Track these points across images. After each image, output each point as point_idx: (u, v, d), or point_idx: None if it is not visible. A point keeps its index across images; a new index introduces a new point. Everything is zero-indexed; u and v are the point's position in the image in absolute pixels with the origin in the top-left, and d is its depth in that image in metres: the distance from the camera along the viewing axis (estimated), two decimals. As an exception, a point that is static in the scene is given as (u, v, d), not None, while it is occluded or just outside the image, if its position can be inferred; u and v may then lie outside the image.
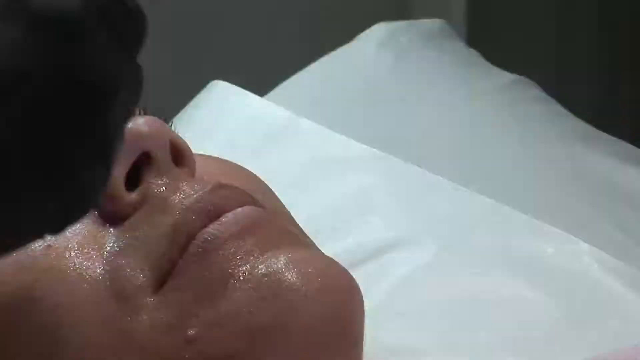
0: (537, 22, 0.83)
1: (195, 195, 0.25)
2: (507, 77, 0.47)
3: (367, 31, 0.45)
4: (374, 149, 0.36)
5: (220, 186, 0.25)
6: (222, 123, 0.39)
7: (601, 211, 0.40)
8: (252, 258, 0.24)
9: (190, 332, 0.24)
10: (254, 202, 0.25)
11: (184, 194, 0.25)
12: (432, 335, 0.31)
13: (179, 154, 0.26)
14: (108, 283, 0.24)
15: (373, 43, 0.46)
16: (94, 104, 0.15)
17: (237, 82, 0.42)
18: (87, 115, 0.15)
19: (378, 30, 0.46)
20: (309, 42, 0.63)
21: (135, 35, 0.16)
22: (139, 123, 0.25)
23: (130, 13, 0.16)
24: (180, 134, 0.25)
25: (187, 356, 0.24)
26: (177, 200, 0.25)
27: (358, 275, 0.26)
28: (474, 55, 0.48)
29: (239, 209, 0.25)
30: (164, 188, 0.25)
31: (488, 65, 0.47)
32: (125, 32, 0.16)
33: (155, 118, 0.25)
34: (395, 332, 0.30)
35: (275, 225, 0.25)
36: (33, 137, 0.15)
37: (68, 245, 0.24)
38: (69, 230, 0.22)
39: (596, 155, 0.42)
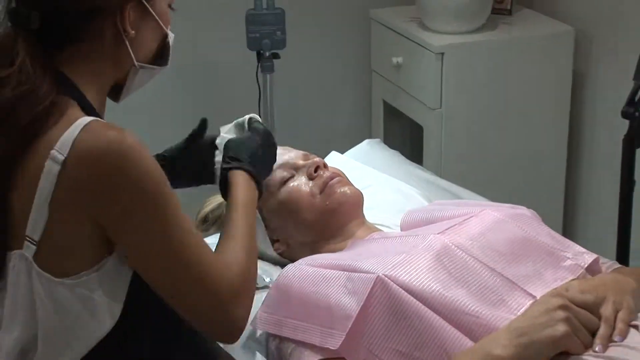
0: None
1: (329, 174, 1.61)
2: (393, 151, 2.16)
3: (362, 142, 2.13)
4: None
5: (334, 171, 1.69)
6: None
7: (412, 179, 2.00)
8: (341, 187, 1.65)
9: (327, 203, 1.53)
10: (341, 175, 1.71)
11: (326, 173, 1.55)
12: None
13: (325, 165, 1.62)
14: (310, 191, 1.55)
15: (364, 144, 2.12)
16: None
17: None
18: None
19: (365, 141, 2.13)
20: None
21: None
22: (317, 160, 1.61)
23: None
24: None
25: (326, 208, 1.54)
26: (324, 175, 1.53)
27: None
28: (385, 146, 2.16)
29: (339, 177, 1.70)
30: (321, 172, 1.58)
31: (389, 148, 2.15)
32: None
33: (321, 158, 1.74)
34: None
35: (345, 180, 1.71)
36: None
37: (302, 183, 1.68)
38: (301, 181, 1.53)
39: (414, 168, 2.07)
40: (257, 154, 1.34)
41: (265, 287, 1.47)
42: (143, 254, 1.09)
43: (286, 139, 1.69)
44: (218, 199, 1.62)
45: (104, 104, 1.19)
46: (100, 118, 1.14)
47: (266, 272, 1.53)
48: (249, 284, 1.17)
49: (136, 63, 1.17)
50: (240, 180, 1.28)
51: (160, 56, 1.23)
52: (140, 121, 2.66)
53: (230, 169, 1.30)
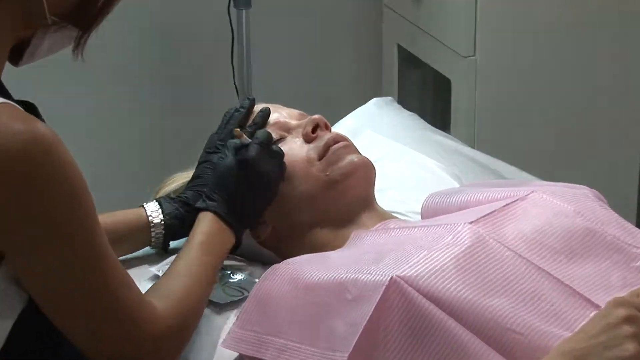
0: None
1: (331, 136, 1.61)
2: (409, 113, 2.17)
3: (370, 101, 2.13)
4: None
5: (338, 134, 1.68)
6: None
7: (434, 151, 2.01)
8: (347, 154, 1.68)
9: (327, 173, 1.53)
10: (346, 139, 1.72)
11: (327, 135, 1.57)
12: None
13: (326, 125, 1.65)
14: (306, 157, 1.56)
15: (371, 104, 2.13)
16: None
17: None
18: None
19: (372, 100, 2.15)
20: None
21: None
22: (316, 116, 1.64)
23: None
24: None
25: (326, 180, 1.54)
26: (325, 137, 1.55)
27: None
28: (399, 107, 2.17)
29: (343, 141, 1.72)
30: (321, 133, 1.59)
31: (404, 109, 2.15)
32: None
33: (321, 115, 1.74)
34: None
35: (352, 147, 1.72)
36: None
37: (297, 147, 1.65)
38: (296, 144, 1.56)
39: (435, 134, 2.07)
40: (238, 192, 1.47)
41: (242, 299, 1.48)
42: (43, 281, 1.14)
43: (267, 99, 1.70)
44: (184, 176, 1.64)
45: (1, 69, 1.18)
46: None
47: (242, 274, 1.54)
48: (179, 338, 1.27)
49: (48, 16, 1.15)
50: (208, 220, 1.43)
51: (81, 13, 1.20)
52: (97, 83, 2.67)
53: (200, 209, 1.45)
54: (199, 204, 1.46)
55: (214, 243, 1.41)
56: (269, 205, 1.51)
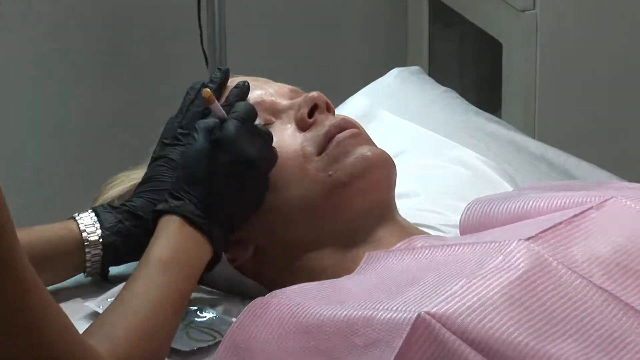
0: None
1: (334, 121, 1.61)
2: (442, 88, 2.18)
3: (389, 72, 2.14)
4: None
5: (344, 118, 1.72)
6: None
7: (478, 140, 2.03)
8: (357, 146, 1.67)
9: (330, 173, 1.53)
10: (356, 126, 1.74)
11: (330, 120, 1.61)
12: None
13: (328, 105, 1.64)
14: (300, 151, 1.55)
15: (391, 76, 2.14)
16: None
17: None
18: None
19: (393, 71, 2.17)
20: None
21: None
22: (314, 94, 1.64)
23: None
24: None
25: (328, 182, 1.54)
26: (327, 122, 1.59)
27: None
28: (430, 80, 2.17)
29: (351, 128, 1.72)
30: (321, 116, 1.60)
31: (436, 84, 2.16)
32: None
33: (321, 92, 1.74)
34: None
35: (363, 136, 1.74)
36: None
37: (288, 136, 1.62)
38: (287, 133, 1.56)
39: (478, 118, 2.08)
40: (214, 186, 1.45)
41: (214, 345, 1.47)
42: None
43: (247, 71, 1.71)
44: (132, 177, 1.64)
45: None
46: None
47: (213, 312, 1.55)
48: None
49: None
50: (173, 226, 1.42)
51: None
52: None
53: (162, 212, 1.44)
54: (160, 206, 1.44)
55: (182, 259, 1.40)
56: (261, 203, 1.51)
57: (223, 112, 1.49)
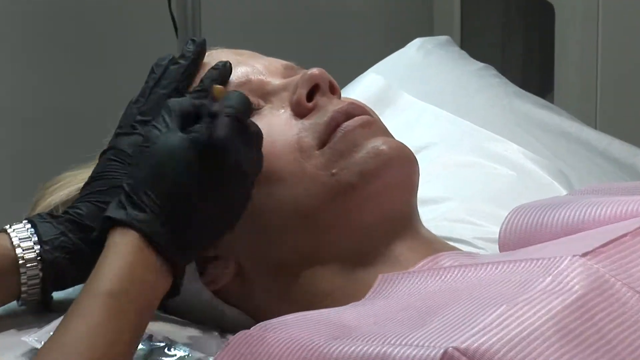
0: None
1: (340, 106, 1.63)
2: (479, 64, 2.23)
3: (411, 43, 2.17)
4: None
5: (352, 103, 1.74)
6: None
7: (524, 130, 2.06)
8: (368, 138, 1.63)
9: (333, 172, 1.55)
10: (368, 113, 1.77)
11: (334, 104, 1.61)
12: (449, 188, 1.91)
13: (332, 86, 1.67)
14: (296, 143, 1.56)
15: (413, 48, 2.18)
16: None
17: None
18: None
19: (415, 42, 2.23)
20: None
21: None
22: (315, 70, 1.62)
23: None
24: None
25: (331, 183, 1.53)
26: (330, 108, 1.61)
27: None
28: (464, 54, 2.21)
29: (361, 115, 1.75)
30: (322, 99, 1.60)
31: (471, 59, 2.21)
32: None
33: (323, 69, 1.76)
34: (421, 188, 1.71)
35: (377, 125, 1.77)
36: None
37: (280, 124, 1.61)
38: (279, 120, 1.59)
39: (524, 103, 2.12)
40: (187, 197, 1.44)
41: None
42: None
43: (228, 43, 1.73)
44: (80, 177, 1.64)
45: None
46: None
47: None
48: None
49: None
50: (127, 245, 1.40)
51: None
52: None
53: (115, 222, 1.42)
54: (113, 213, 1.42)
55: (136, 290, 1.39)
56: (239, 218, 1.51)
57: (214, 104, 1.49)
